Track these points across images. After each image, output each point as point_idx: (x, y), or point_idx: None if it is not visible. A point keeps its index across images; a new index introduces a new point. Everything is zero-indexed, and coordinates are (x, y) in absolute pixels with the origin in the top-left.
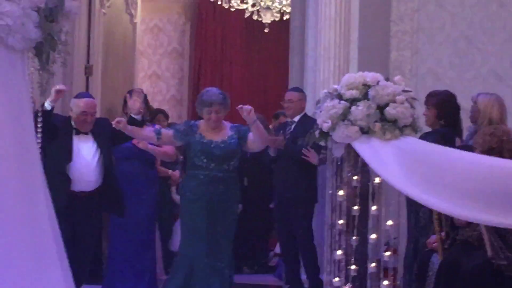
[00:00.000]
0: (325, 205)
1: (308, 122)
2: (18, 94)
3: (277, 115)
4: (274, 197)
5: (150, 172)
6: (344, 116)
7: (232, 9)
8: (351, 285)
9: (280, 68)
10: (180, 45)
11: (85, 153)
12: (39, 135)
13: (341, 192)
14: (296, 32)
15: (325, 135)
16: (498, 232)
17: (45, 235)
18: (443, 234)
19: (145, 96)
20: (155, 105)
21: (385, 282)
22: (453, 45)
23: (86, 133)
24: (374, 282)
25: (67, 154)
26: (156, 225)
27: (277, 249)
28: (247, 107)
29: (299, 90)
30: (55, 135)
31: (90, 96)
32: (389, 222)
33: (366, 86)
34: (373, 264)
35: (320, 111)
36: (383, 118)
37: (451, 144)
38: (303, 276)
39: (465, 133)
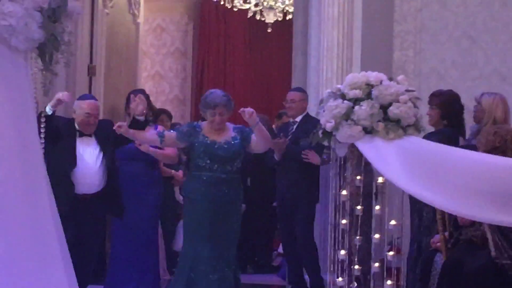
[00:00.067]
0: (328, 205)
1: (310, 122)
2: (21, 95)
3: (280, 115)
4: (277, 197)
5: (153, 172)
6: (347, 115)
7: (235, 9)
8: (356, 285)
9: (283, 68)
10: (183, 45)
11: (88, 156)
12: (42, 137)
13: (344, 192)
14: (299, 32)
15: (328, 135)
16: (501, 231)
17: (48, 236)
18: (446, 233)
19: (148, 96)
20: (158, 105)
21: (389, 282)
22: (456, 45)
23: (90, 135)
24: (378, 282)
25: (71, 157)
26: (159, 225)
27: (281, 249)
28: (249, 109)
29: (301, 90)
30: (57, 138)
31: (93, 98)
32: (393, 222)
33: (369, 85)
34: (377, 264)
35: (323, 111)
36: (386, 118)
37: (455, 144)
38: (306, 276)
39: (467, 133)
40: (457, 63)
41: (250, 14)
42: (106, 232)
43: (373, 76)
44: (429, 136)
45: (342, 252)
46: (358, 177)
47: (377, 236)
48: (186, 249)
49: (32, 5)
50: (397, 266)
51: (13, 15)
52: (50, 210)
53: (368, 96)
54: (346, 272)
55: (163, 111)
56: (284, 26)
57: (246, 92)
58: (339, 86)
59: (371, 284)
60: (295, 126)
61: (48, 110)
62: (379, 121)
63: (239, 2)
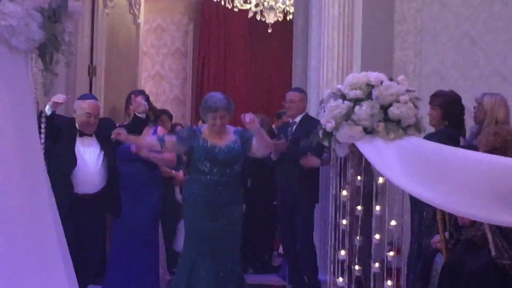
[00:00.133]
0: (328, 205)
1: (309, 123)
2: (22, 95)
3: (279, 114)
4: (277, 197)
5: (153, 173)
6: (348, 116)
7: (236, 9)
8: (356, 286)
9: (283, 68)
10: (184, 45)
11: (89, 156)
12: (42, 137)
13: (344, 192)
14: (299, 32)
15: (328, 135)
16: (502, 231)
17: (49, 236)
18: (447, 234)
19: (148, 97)
20: (158, 105)
21: (389, 282)
22: (456, 45)
23: (90, 135)
24: (378, 282)
25: (72, 157)
26: (160, 225)
27: (281, 249)
28: (249, 115)
29: (300, 90)
30: (59, 137)
31: (94, 98)
32: (393, 222)
33: (370, 86)
34: (377, 264)
35: (324, 111)
36: (386, 118)
37: (456, 144)
38: None
39: (467, 133)
40: (458, 63)
41: (250, 15)
42: (107, 232)
43: (373, 76)
44: (430, 136)
45: (343, 252)
46: (359, 177)
47: (377, 236)
48: (186, 250)
49: (32, 5)
50: (397, 266)
51: (13, 15)
52: (50, 210)
53: (369, 96)
54: (346, 272)
55: (164, 111)
56: (284, 27)
57: (246, 92)
58: (339, 86)
59: (371, 284)
60: (294, 127)
61: (47, 110)
62: (379, 121)
63: (239, 2)
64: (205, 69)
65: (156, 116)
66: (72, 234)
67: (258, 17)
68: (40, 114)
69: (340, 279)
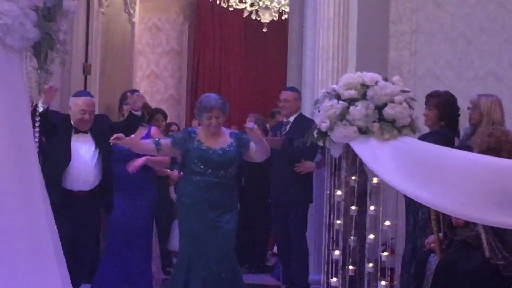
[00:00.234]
0: (322, 205)
1: (303, 122)
2: (16, 94)
3: (273, 113)
4: (271, 197)
5: (147, 172)
6: (342, 116)
7: (231, 9)
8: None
9: (278, 67)
10: (179, 45)
11: (84, 153)
12: (37, 131)
13: (339, 192)
14: (294, 32)
15: (323, 135)
16: (496, 232)
17: (42, 235)
18: (441, 234)
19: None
20: (153, 104)
21: (383, 282)
22: (452, 45)
23: (85, 132)
24: (372, 282)
25: (66, 154)
26: (154, 225)
27: (275, 249)
28: (250, 125)
29: (294, 89)
30: (54, 133)
31: (89, 95)
32: (387, 222)
33: (365, 86)
34: (371, 264)
35: (319, 111)
36: (381, 118)
37: (451, 145)
38: None
39: (461, 134)
40: (453, 64)
41: (245, 14)
42: (100, 231)
43: (368, 76)
44: (425, 137)
45: (337, 252)
46: (353, 178)
47: (371, 236)
48: (182, 250)
49: (27, 4)
50: (391, 266)
51: (8, 14)
52: (44, 209)
53: (363, 96)
54: (341, 272)
55: (158, 111)
56: (279, 26)
57: (241, 92)
58: (334, 86)
59: (365, 284)
60: (288, 126)
61: (40, 107)
62: (374, 121)
63: (235, 1)
64: (200, 68)
65: (150, 115)
66: (66, 232)
67: (253, 17)
68: (34, 109)
69: (334, 279)
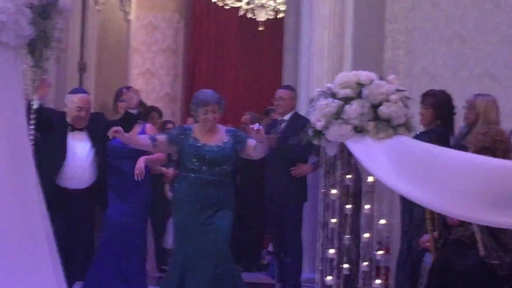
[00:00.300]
0: (317, 204)
1: (299, 121)
2: (11, 91)
3: (267, 111)
4: (266, 196)
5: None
6: (338, 114)
7: (227, 7)
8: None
9: (274, 66)
10: (174, 43)
11: (80, 151)
12: (32, 131)
13: (334, 191)
14: (290, 31)
15: (318, 133)
16: (490, 231)
17: (37, 234)
18: (435, 233)
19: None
20: (149, 102)
21: (378, 281)
22: (447, 45)
23: (81, 129)
24: (367, 281)
25: (62, 151)
26: (149, 222)
27: (270, 247)
28: (256, 126)
29: (290, 88)
30: (49, 130)
31: (85, 92)
32: (382, 221)
33: (360, 85)
34: (366, 263)
35: (314, 110)
36: (376, 117)
37: (446, 144)
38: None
39: (456, 133)
40: (448, 63)
41: (241, 12)
42: (95, 229)
43: (363, 75)
44: (421, 135)
45: (332, 251)
46: (348, 176)
47: (366, 235)
48: (177, 248)
49: (22, 1)
50: (386, 265)
51: (3, 11)
52: (38, 207)
53: (359, 95)
54: (335, 271)
55: (154, 109)
56: (275, 25)
57: (237, 90)
58: (329, 85)
59: (360, 283)
60: (283, 124)
61: (35, 103)
62: (369, 120)
63: (230, 0)
64: (195, 66)
65: (146, 113)
66: (61, 229)
67: (249, 15)
68: (29, 106)
69: (329, 277)
